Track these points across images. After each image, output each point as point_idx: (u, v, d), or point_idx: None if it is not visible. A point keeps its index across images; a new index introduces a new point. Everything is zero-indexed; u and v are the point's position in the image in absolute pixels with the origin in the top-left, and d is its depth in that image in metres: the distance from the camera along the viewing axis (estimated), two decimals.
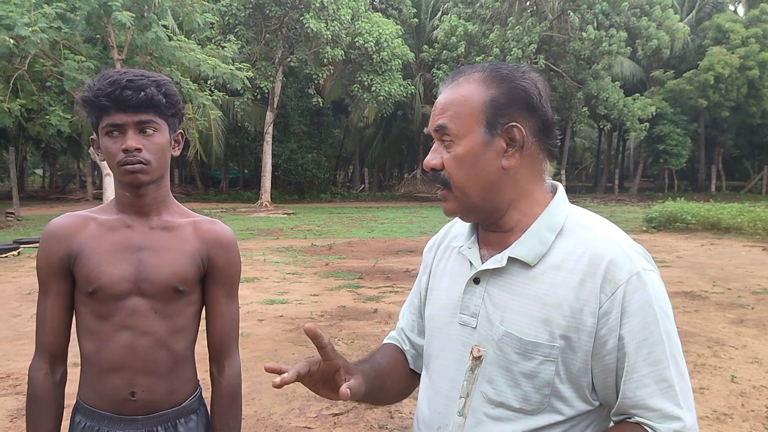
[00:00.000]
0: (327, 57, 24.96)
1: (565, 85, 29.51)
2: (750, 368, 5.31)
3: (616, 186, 36.69)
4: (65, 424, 1.67)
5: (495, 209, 1.20)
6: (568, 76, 29.03)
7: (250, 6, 24.10)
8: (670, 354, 1.08)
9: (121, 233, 1.62)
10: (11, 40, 14.42)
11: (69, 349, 1.68)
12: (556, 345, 1.10)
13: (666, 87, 31.27)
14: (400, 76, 27.58)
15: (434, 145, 1.20)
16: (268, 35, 25.32)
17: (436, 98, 1.25)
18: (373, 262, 11.25)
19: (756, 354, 5.71)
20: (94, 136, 1.62)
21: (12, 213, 19.33)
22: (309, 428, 4.08)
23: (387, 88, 26.47)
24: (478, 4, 28.55)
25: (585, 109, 29.86)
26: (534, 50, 26.79)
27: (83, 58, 15.99)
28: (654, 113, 28.74)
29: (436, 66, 29.22)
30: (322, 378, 1.14)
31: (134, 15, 15.59)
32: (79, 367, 1.65)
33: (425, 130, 1.27)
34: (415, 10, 31.63)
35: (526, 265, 1.16)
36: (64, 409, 1.67)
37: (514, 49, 26.33)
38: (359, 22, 25.66)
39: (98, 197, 26.65)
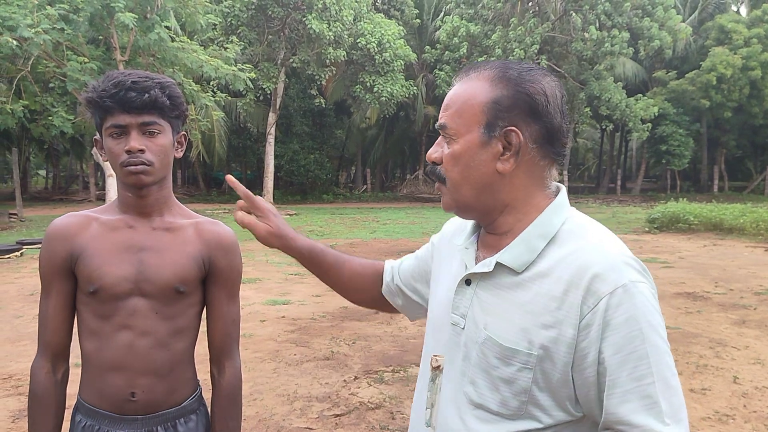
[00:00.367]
0: (329, 58, 24.96)
1: (567, 86, 29.44)
2: (752, 369, 5.31)
3: (619, 187, 36.67)
4: (66, 423, 1.68)
5: (488, 211, 1.20)
6: (571, 77, 29.01)
7: (253, 7, 24.12)
8: (657, 369, 1.04)
9: (123, 233, 1.62)
10: (14, 42, 14.44)
11: (71, 349, 1.69)
12: (534, 353, 1.09)
13: (668, 87, 31.23)
14: (403, 77, 27.58)
15: (438, 139, 1.22)
16: (270, 36, 25.34)
17: (438, 99, 1.27)
18: None
19: (758, 355, 5.70)
20: (97, 137, 1.63)
21: (15, 214, 19.37)
22: (310, 429, 4.08)
23: (389, 89, 26.47)
24: (480, 5, 28.54)
25: (587, 109, 29.84)
26: (536, 51, 26.78)
27: (86, 60, 16.01)
28: (656, 114, 28.69)
29: (438, 67, 29.23)
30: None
31: (137, 16, 15.61)
32: (80, 368, 1.65)
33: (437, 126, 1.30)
34: (418, 11, 31.64)
35: (513, 272, 1.15)
36: (66, 409, 1.68)
37: (516, 49, 26.33)
38: (361, 22, 25.68)
39: (101, 198, 26.70)
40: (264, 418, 4.23)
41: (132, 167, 1.53)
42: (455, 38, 27.96)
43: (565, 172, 32.68)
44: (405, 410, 4.35)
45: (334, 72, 27.91)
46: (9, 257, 11.57)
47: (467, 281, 1.21)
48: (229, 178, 1.47)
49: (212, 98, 19.42)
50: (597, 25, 26.84)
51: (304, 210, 25.70)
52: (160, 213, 1.66)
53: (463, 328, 1.20)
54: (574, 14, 26.96)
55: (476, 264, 1.22)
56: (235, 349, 1.76)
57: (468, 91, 1.17)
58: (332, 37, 24.02)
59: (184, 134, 1.70)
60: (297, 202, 30.46)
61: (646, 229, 17.18)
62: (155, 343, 1.60)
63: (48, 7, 15.01)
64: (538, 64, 26.35)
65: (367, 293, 1.58)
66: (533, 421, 1.11)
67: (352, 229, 17.79)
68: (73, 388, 1.66)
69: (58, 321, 1.63)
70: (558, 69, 28.96)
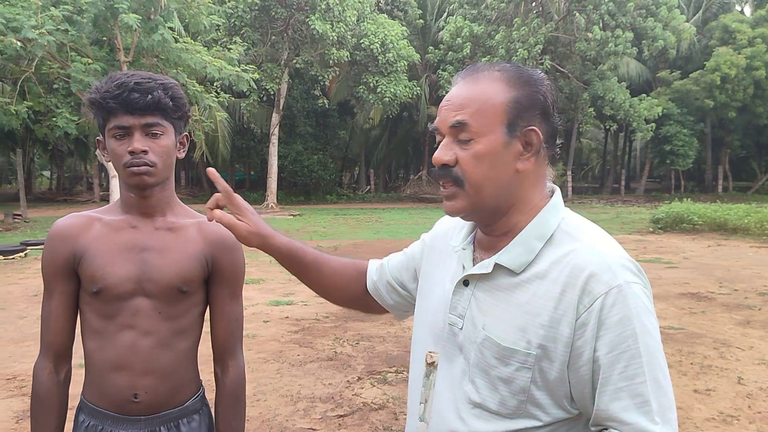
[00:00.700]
0: (332, 58, 24.99)
1: (571, 86, 29.48)
2: (757, 370, 5.29)
3: (623, 187, 36.58)
4: (69, 424, 1.68)
5: (499, 211, 1.20)
6: (574, 77, 29.00)
7: (256, 8, 24.15)
8: (649, 369, 1.05)
9: (126, 234, 1.63)
10: (18, 43, 14.49)
11: (74, 349, 1.69)
12: (532, 353, 1.10)
13: (672, 87, 31.16)
14: (406, 78, 27.60)
15: (445, 140, 1.18)
16: (273, 37, 25.37)
17: (441, 99, 1.24)
18: None
19: (763, 355, 5.68)
20: (100, 138, 1.63)
21: (19, 215, 19.43)
22: (314, 429, 4.08)
23: (392, 90, 26.48)
24: (484, 5, 28.54)
25: (591, 109, 29.81)
26: (539, 51, 26.76)
27: (90, 61, 16.04)
28: (660, 114, 28.65)
29: (441, 67, 29.22)
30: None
31: (140, 17, 15.64)
32: (84, 368, 1.66)
33: (430, 126, 1.24)
34: (421, 12, 31.64)
35: (511, 272, 1.16)
36: (69, 409, 1.68)
37: (519, 50, 26.32)
38: (365, 23, 25.69)
39: (105, 199, 26.74)
40: (267, 418, 4.23)
41: (135, 168, 1.53)
42: (458, 38, 27.96)
43: (569, 172, 32.65)
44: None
45: (338, 72, 27.94)
46: (13, 258, 11.61)
47: (465, 282, 1.22)
48: (211, 171, 1.45)
49: (216, 99, 19.45)
50: (601, 25, 26.80)
51: (308, 211, 25.71)
52: (162, 213, 1.66)
53: (461, 329, 1.21)
54: (577, 14, 26.93)
55: (474, 265, 1.23)
56: (238, 348, 1.77)
57: (485, 91, 1.15)
58: (335, 37, 24.04)
59: (186, 135, 1.70)
60: (300, 203, 30.49)
61: (650, 229, 17.14)
62: (158, 343, 1.61)
63: (52, 9, 15.06)
64: (542, 64, 26.43)
65: (346, 292, 1.56)
66: (532, 419, 1.13)
67: (356, 230, 17.80)
68: (76, 389, 1.67)
69: (60, 321, 1.63)
70: (561, 69, 28.95)
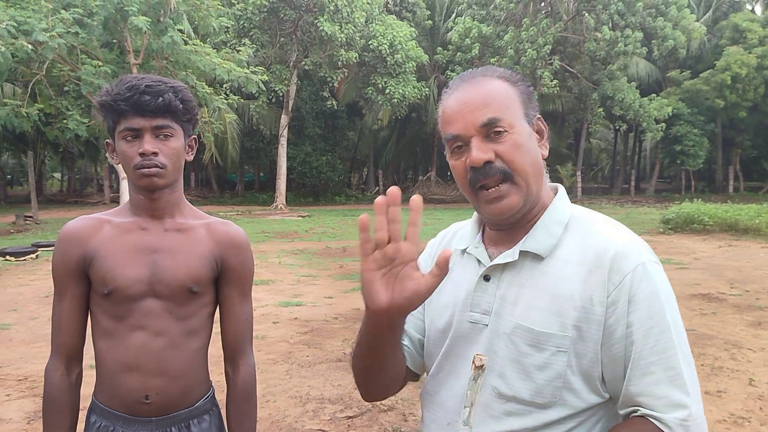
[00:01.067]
0: (341, 60, 25.03)
1: (580, 86, 29.39)
2: None
3: (633, 187, 36.39)
4: (81, 425, 1.69)
5: (535, 202, 1.21)
6: (583, 77, 28.91)
7: (265, 10, 24.23)
8: (678, 342, 1.09)
9: (136, 235, 1.64)
10: (29, 46, 14.61)
11: (85, 351, 1.70)
12: (567, 335, 1.11)
13: (682, 87, 30.99)
14: (414, 79, 27.60)
15: (474, 141, 1.15)
16: (282, 39, 25.44)
17: None
18: None
19: None
20: (109, 141, 1.65)
21: (30, 216, 19.56)
22: (323, 431, 4.09)
23: (401, 91, 26.48)
24: (492, 6, 28.49)
25: (600, 110, 29.71)
26: (548, 51, 26.69)
27: (100, 63, 16.16)
28: (670, 114, 28.51)
29: (450, 68, 29.18)
30: (390, 260, 1.02)
31: (150, 20, 15.74)
32: (95, 369, 1.67)
33: (447, 135, 1.18)
34: (429, 12, 31.62)
35: (537, 258, 1.18)
36: (81, 411, 1.69)
37: (528, 50, 26.27)
38: (373, 24, 25.72)
39: (115, 200, 26.87)
40: (277, 419, 4.24)
41: (145, 170, 1.55)
42: (467, 39, 27.92)
43: (578, 173, 32.55)
44: (417, 412, 4.34)
45: (346, 74, 27.99)
46: (24, 259, 11.69)
47: (486, 277, 1.22)
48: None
49: (225, 101, 19.53)
50: (610, 25, 26.70)
51: (317, 212, 25.75)
52: (171, 215, 1.68)
53: (486, 325, 1.20)
54: (586, 14, 26.84)
55: (491, 260, 1.23)
56: (248, 347, 1.78)
57: (498, 87, 1.19)
58: (344, 39, 24.08)
59: (194, 138, 1.73)
60: (309, 204, 30.54)
61: (661, 230, 17.04)
62: (169, 344, 1.62)
63: (62, 12, 15.17)
64: (551, 64, 26.29)
65: (399, 374, 1.35)
66: (566, 407, 1.13)
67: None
68: (87, 390, 1.68)
69: (71, 323, 1.64)
70: (571, 69, 28.87)
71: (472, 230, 1.32)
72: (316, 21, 23.71)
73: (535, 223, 1.21)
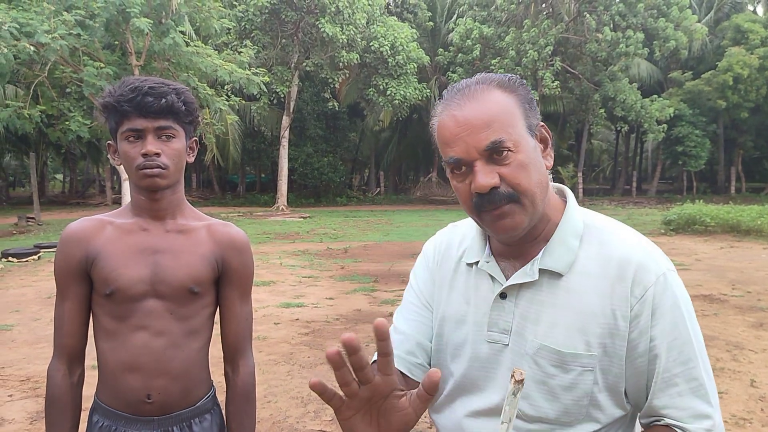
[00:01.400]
0: (342, 61, 25.05)
1: (581, 87, 29.38)
2: None
3: (634, 188, 36.38)
4: (83, 425, 1.70)
5: (541, 215, 1.16)
6: (585, 78, 28.90)
7: (266, 11, 24.26)
8: (699, 353, 1.09)
9: (138, 236, 1.65)
10: (32, 47, 14.65)
11: (87, 351, 1.71)
12: (594, 354, 1.09)
13: (684, 88, 30.98)
14: (416, 80, 27.61)
15: (479, 165, 1.08)
16: (284, 40, 25.47)
17: None
18: (388, 265, 11.26)
19: None
20: (111, 142, 1.66)
21: (32, 218, 19.60)
22: None
23: (402, 92, 26.50)
24: (494, 7, 28.50)
25: (602, 110, 29.69)
26: (550, 52, 26.70)
27: (102, 65, 16.18)
28: (672, 115, 28.48)
29: (451, 69, 29.21)
30: (366, 401, 0.91)
31: (152, 21, 15.77)
32: (97, 370, 1.68)
33: (449, 159, 1.12)
34: (431, 14, 31.64)
35: (555, 275, 1.13)
36: (83, 411, 1.70)
37: (529, 51, 26.27)
38: (374, 26, 25.74)
39: (117, 201, 26.92)
40: (278, 420, 4.25)
41: (148, 170, 1.56)
42: (468, 40, 27.93)
43: (580, 174, 32.53)
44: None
45: (348, 75, 28.00)
46: (26, 261, 11.71)
47: (503, 295, 1.18)
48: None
49: (226, 102, 19.56)
50: (611, 25, 26.71)
51: (318, 213, 25.76)
52: (173, 216, 1.69)
53: (506, 345, 1.16)
54: (588, 15, 26.83)
55: (506, 276, 1.18)
56: (248, 347, 1.79)
57: (496, 102, 1.10)
58: (345, 40, 24.10)
59: (195, 140, 1.74)
60: (311, 205, 30.56)
61: (662, 231, 17.03)
62: (170, 344, 1.63)
63: (65, 13, 15.21)
64: (552, 65, 26.25)
65: None
66: (592, 422, 1.12)
67: (366, 232, 17.81)
68: (89, 390, 1.69)
69: (73, 324, 1.65)
70: (572, 70, 28.87)
71: (479, 242, 1.25)
72: (318, 22, 23.74)
73: (545, 234, 1.17)
